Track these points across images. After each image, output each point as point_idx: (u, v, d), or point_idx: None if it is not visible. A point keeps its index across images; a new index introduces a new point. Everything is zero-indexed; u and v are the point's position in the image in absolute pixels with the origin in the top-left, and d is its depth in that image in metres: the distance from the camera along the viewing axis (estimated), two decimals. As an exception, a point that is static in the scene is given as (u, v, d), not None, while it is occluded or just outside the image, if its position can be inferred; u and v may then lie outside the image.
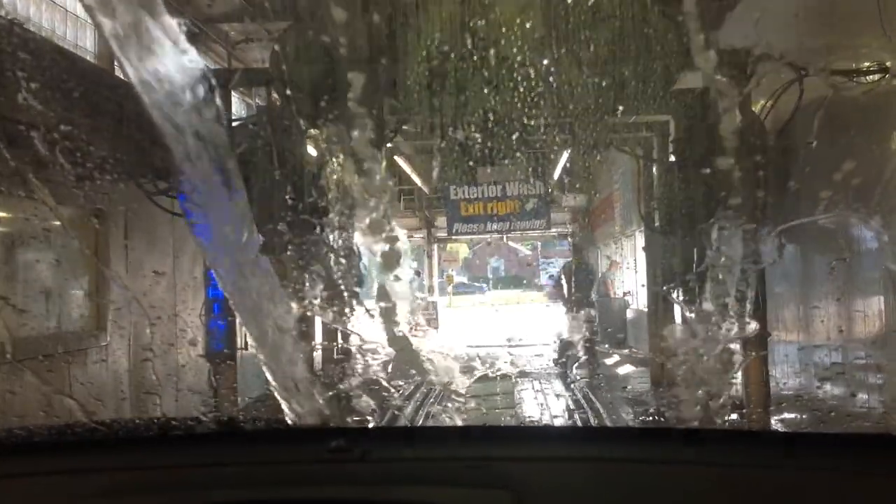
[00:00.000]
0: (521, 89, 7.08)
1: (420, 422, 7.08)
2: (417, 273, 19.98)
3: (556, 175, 17.58)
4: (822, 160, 5.30)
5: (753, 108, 6.03)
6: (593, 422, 7.98)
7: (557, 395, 10.58)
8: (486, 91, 7.03)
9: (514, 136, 8.80)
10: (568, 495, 1.26)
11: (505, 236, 20.21)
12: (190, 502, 1.30)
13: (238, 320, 5.77)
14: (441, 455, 1.39)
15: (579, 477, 1.33)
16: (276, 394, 1.91)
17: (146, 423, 1.64)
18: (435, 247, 23.67)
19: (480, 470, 1.32)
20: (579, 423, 8.24)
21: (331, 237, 8.28)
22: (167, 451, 1.49)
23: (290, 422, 1.87)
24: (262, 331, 2.07)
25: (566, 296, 13.35)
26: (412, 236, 22.08)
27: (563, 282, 13.71)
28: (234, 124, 7.55)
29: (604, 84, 6.82)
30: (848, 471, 1.27)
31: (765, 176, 5.64)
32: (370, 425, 2.40)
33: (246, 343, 8.98)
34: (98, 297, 5.85)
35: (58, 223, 5.01)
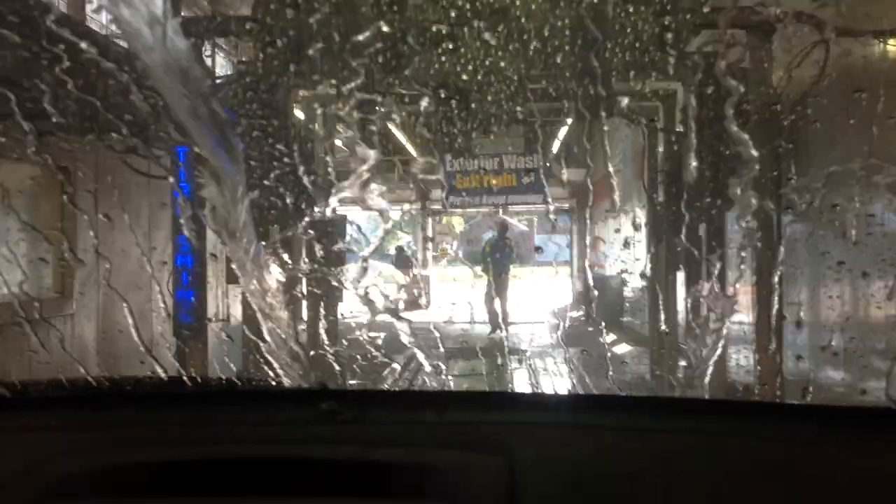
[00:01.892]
0: (522, 50, 6.69)
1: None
2: (400, 249, 19.75)
3: (554, 148, 17.20)
4: (846, 131, 4.97)
5: (773, 74, 5.65)
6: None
7: (551, 374, 10.35)
8: (485, 51, 6.65)
9: (512, 104, 8.41)
10: (561, 461, 1.26)
11: (501, 210, 19.87)
12: (182, 458, 1.28)
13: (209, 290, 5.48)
14: (434, 419, 1.38)
15: (573, 443, 1.31)
16: (268, 356, 1.93)
17: (140, 380, 1.62)
18: (429, 219, 23.29)
19: (474, 434, 1.31)
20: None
21: (316, 203, 7.94)
22: (157, 409, 1.47)
23: (281, 383, 1.86)
24: (256, 292, 2.08)
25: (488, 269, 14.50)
26: (406, 208, 21.73)
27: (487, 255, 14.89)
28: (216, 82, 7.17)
29: (609, 46, 6.42)
30: (847, 444, 1.27)
31: (783, 148, 5.28)
32: (362, 388, 2.25)
33: (228, 315, 8.66)
34: (63, 262, 5.48)
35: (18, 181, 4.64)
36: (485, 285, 15.41)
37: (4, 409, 1.48)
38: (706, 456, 1.26)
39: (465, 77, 7.25)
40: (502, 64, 7.04)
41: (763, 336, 5.64)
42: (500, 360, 10.68)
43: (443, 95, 7.59)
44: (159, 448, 1.32)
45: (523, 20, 6.35)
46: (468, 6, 6.13)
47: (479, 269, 16.66)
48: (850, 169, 4.63)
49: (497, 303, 14.52)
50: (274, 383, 1.84)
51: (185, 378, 1.67)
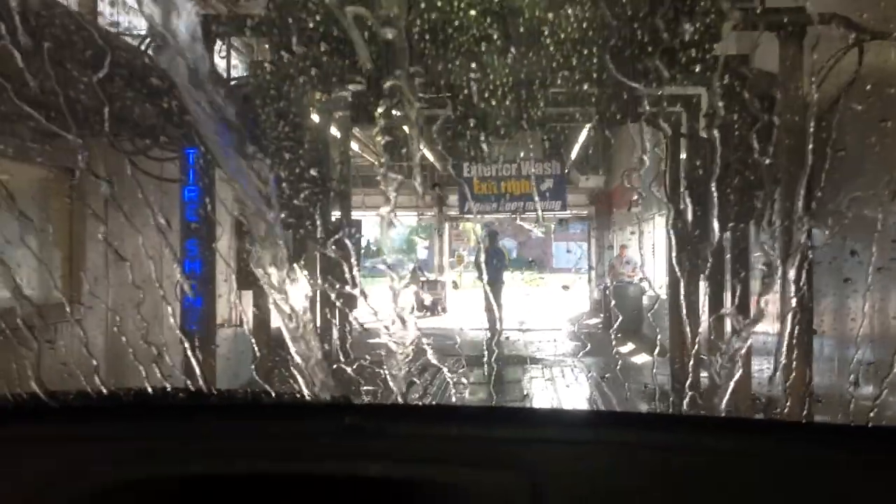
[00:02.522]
0: (540, 54, 6.54)
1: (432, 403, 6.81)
2: (419, 269, 19.71)
3: (573, 154, 17.04)
4: (871, 157, 4.81)
5: (802, 79, 5.45)
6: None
7: (568, 385, 10.20)
8: (503, 56, 6.51)
9: (531, 109, 8.26)
10: (582, 479, 1.25)
11: (518, 217, 19.71)
12: (205, 472, 1.28)
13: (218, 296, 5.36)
14: (455, 434, 1.36)
15: (593, 460, 1.30)
16: (291, 368, 1.91)
17: (164, 392, 1.61)
18: (446, 225, 23.18)
19: (495, 450, 1.31)
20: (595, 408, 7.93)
21: (333, 211, 7.84)
22: (180, 421, 1.47)
23: (303, 396, 1.85)
24: (281, 303, 2.04)
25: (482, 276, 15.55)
26: (423, 214, 21.65)
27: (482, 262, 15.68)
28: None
29: (631, 49, 6.24)
30: (870, 463, 1.24)
31: (813, 154, 5.09)
32: (384, 402, 2.29)
33: (241, 319, 8.54)
34: (71, 266, 5.38)
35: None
36: (499, 291, 15.48)
37: (27, 419, 1.48)
38: (724, 474, 1.25)
39: (483, 82, 7.12)
40: (522, 69, 6.90)
41: (789, 352, 5.45)
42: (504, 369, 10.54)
43: (461, 101, 7.46)
44: (182, 461, 1.31)
45: (541, 23, 6.20)
46: (488, 13, 6.00)
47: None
48: (874, 195, 4.51)
49: (494, 309, 14.72)
50: (295, 395, 1.83)
51: (208, 390, 1.68)
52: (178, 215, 5.51)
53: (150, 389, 1.58)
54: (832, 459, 1.27)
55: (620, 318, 13.94)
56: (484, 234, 16.82)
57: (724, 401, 2.66)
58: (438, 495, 1.23)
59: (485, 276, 16.01)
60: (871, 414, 2.05)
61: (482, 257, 16.66)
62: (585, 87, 6.84)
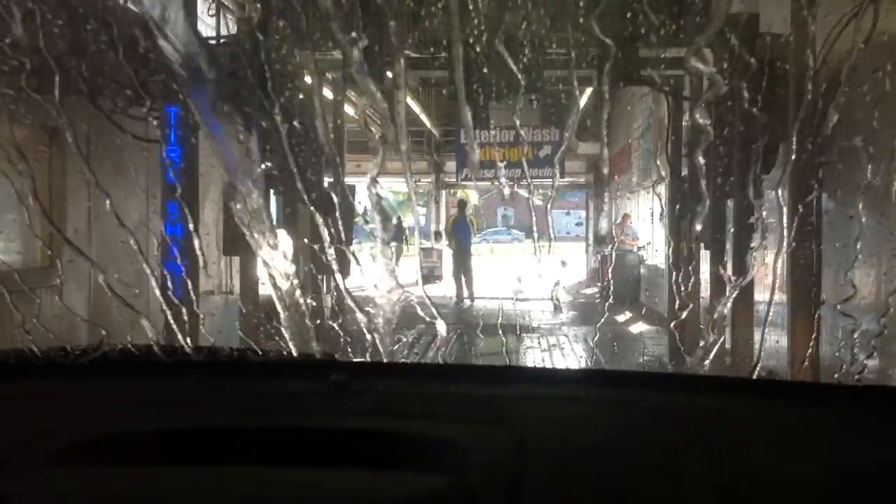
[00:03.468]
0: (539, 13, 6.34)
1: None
2: (399, 223, 19.57)
3: (571, 121, 16.83)
4: (862, 107, 4.63)
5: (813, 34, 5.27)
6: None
7: (565, 354, 10.12)
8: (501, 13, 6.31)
9: (529, 73, 8.04)
10: (568, 433, 1.26)
11: (516, 184, 19.51)
12: (190, 426, 1.28)
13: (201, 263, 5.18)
14: (443, 391, 1.40)
15: (581, 417, 1.32)
16: (278, 326, 1.93)
17: (149, 349, 1.60)
18: (443, 193, 23.01)
19: (482, 407, 1.33)
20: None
21: (325, 175, 7.67)
22: (165, 378, 1.49)
23: (290, 354, 1.85)
24: (268, 263, 2.07)
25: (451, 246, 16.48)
26: (420, 181, 21.45)
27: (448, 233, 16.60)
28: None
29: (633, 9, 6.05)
30: (878, 424, 1.24)
31: (820, 119, 4.94)
32: (372, 360, 2.25)
33: (231, 288, 8.41)
34: (50, 228, 5.20)
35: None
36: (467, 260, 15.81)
37: (11, 376, 1.50)
38: (717, 434, 1.25)
39: (479, 42, 6.93)
40: (521, 28, 6.71)
41: (793, 316, 5.34)
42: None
43: (459, 60, 7.25)
44: (168, 417, 1.32)
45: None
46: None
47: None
48: (864, 146, 4.38)
49: (462, 276, 15.41)
50: (282, 352, 1.84)
51: (193, 348, 1.68)
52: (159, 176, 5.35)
53: (133, 348, 1.58)
54: (824, 420, 1.28)
55: (618, 286, 13.84)
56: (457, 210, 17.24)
57: (713, 360, 2.59)
58: (426, 451, 1.21)
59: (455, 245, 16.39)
60: (857, 376, 2.08)
61: (451, 227, 17.29)
62: (585, 48, 6.64)
